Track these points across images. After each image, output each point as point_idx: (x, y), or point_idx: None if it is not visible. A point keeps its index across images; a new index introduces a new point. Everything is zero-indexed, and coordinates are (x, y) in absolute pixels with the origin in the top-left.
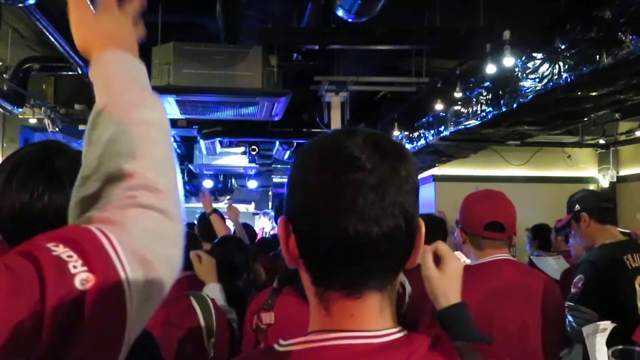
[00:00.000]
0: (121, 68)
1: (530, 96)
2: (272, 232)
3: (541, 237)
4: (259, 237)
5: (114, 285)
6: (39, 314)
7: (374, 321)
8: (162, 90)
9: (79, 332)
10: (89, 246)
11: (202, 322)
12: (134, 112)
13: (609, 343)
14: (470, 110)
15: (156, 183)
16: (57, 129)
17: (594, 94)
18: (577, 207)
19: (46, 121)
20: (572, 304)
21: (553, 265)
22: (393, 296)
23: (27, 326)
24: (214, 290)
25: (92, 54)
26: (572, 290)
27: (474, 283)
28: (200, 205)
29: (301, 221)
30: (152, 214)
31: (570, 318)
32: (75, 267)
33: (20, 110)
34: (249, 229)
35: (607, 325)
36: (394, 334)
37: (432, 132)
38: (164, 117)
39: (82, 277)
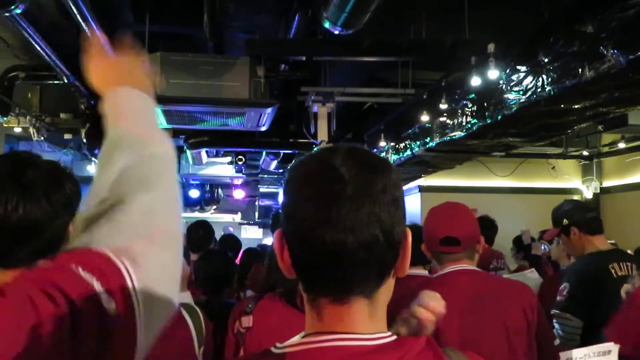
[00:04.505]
0: (131, 103)
1: (515, 108)
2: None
3: (525, 247)
4: None
5: (129, 311)
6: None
7: (364, 325)
8: None
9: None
10: (111, 274)
11: (193, 332)
12: (144, 146)
13: (586, 342)
14: (455, 121)
15: (166, 217)
16: (42, 138)
17: (576, 106)
18: (565, 221)
19: (31, 130)
20: (558, 311)
21: (529, 280)
22: (384, 303)
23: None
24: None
25: (105, 90)
26: (558, 298)
27: None
28: (188, 215)
29: (290, 233)
30: (164, 252)
31: (556, 326)
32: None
33: (4, 119)
34: (233, 239)
35: (612, 347)
36: (385, 337)
37: (418, 143)
38: (171, 150)
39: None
